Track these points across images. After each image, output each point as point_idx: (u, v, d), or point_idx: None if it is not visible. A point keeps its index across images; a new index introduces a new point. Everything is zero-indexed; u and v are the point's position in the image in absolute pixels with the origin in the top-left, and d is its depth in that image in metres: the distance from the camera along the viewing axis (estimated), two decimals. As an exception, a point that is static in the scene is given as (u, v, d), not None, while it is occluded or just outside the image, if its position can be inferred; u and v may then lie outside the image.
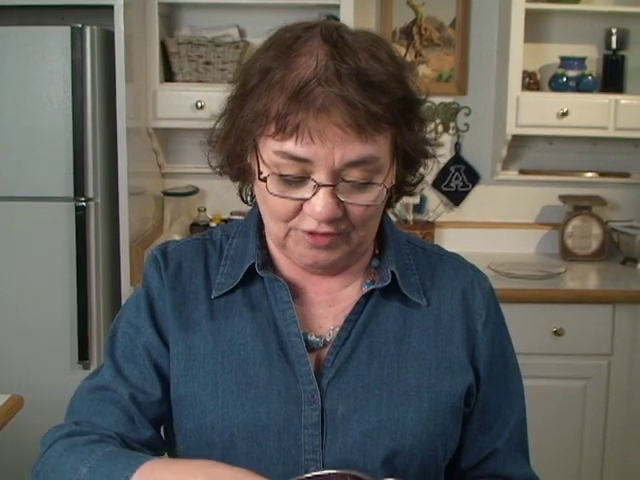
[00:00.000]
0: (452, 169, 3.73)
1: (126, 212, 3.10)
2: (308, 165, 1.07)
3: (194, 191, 3.62)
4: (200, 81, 3.42)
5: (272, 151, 1.08)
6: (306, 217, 1.10)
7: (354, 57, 1.07)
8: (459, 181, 3.74)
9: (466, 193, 3.76)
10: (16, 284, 3.08)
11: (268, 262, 1.22)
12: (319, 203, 1.07)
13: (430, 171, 1.22)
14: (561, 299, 3.22)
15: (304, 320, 1.19)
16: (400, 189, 1.21)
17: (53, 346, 3.09)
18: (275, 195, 1.10)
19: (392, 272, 1.20)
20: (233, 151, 1.15)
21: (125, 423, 1.19)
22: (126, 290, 3.11)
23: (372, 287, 1.20)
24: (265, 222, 1.19)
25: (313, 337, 1.19)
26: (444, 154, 3.67)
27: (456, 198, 3.77)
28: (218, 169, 1.22)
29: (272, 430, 1.14)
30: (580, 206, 3.67)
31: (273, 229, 1.16)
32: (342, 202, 1.09)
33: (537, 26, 3.56)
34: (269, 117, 1.07)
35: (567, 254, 3.64)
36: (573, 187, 3.73)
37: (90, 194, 3.03)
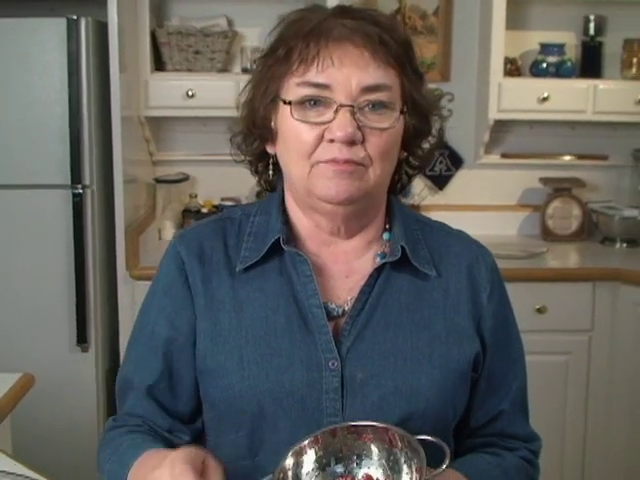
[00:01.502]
0: (436, 154, 3.82)
1: (121, 199, 3.17)
2: (328, 92, 1.18)
3: (185, 178, 3.69)
4: (190, 70, 3.48)
5: (295, 84, 1.20)
6: (326, 146, 1.19)
7: (363, 11, 1.24)
8: (443, 165, 3.84)
9: (450, 177, 3.86)
10: (16, 270, 3.15)
11: (290, 237, 1.31)
12: (339, 123, 1.17)
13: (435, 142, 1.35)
14: (543, 278, 3.32)
15: (323, 291, 1.28)
16: (410, 154, 1.32)
17: (52, 330, 3.16)
18: (298, 120, 1.20)
19: (402, 247, 1.29)
20: (258, 107, 1.26)
21: (152, 412, 1.32)
22: (122, 274, 3.19)
23: (384, 261, 1.29)
24: (288, 173, 1.27)
25: (333, 305, 1.28)
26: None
27: (440, 182, 3.86)
28: (238, 143, 1.34)
29: (296, 396, 1.23)
30: (560, 188, 3.78)
31: (298, 173, 1.24)
32: (360, 127, 1.19)
33: (518, 14, 3.65)
34: (292, 57, 1.20)
35: (548, 235, 3.75)
36: (553, 170, 3.83)
37: (87, 181, 3.11)
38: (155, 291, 1.36)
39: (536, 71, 3.61)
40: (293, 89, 1.20)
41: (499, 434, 1.38)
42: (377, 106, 1.20)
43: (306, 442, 1.13)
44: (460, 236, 1.40)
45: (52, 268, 3.15)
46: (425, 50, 3.75)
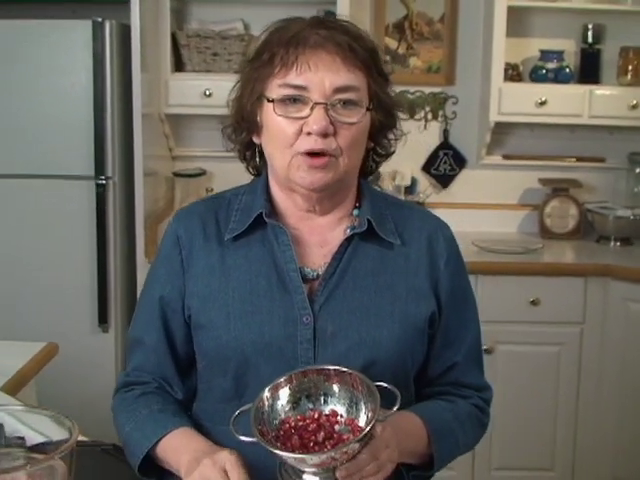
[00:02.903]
0: (440, 154, 4.02)
1: (141, 191, 3.40)
2: (305, 92, 1.40)
3: (202, 173, 3.90)
4: (208, 71, 3.70)
5: (277, 86, 1.42)
6: (304, 138, 1.41)
7: (336, 22, 1.46)
8: (447, 165, 4.04)
9: (453, 176, 4.05)
10: (42, 254, 3.39)
11: (272, 212, 1.52)
12: (315, 118, 1.39)
13: (399, 143, 1.56)
14: (537, 272, 3.49)
15: (300, 258, 1.49)
16: (376, 143, 1.53)
17: (76, 311, 3.40)
18: (280, 115, 1.41)
19: (368, 220, 1.50)
20: (246, 104, 1.47)
21: (157, 366, 1.55)
22: (141, 261, 3.41)
23: (353, 232, 1.50)
24: (272, 161, 1.48)
25: (308, 270, 1.49)
26: (433, 142, 4.00)
27: (444, 181, 4.06)
28: (230, 132, 1.54)
29: (275, 346, 1.44)
30: (558, 188, 3.95)
31: (279, 163, 1.45)
32: (332, 122, 1.40)
33: (520, 22, 3.84)
34: (274, 62, 1.41)
35: (546, 233, 3.93)
36: (552, 171, 4.01)
37: (109, 173, 3.34)
38: (155, 264, 1.60)
39: (535, 77, 3.79)
40: (276, 89, 1.42)
41: (453, 383, 1.57)
42: (347, 104, 1.41)
43: (282, 380, 1.34)
44: (422, 212, 1.62)
45: (76, 253, 3.38)
46: (431, 55, 3.95)
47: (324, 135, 1.39)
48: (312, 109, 1.39)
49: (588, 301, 3.48)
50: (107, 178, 3.34)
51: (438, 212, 3.92)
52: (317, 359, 1.44)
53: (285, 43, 1.40)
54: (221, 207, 1.56)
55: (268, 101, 1.43)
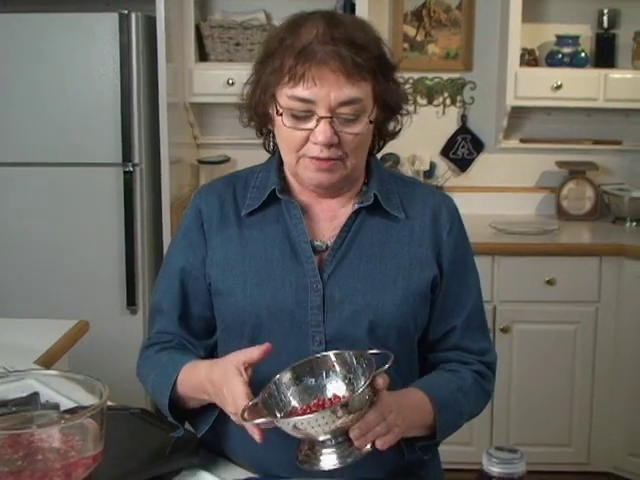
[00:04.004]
0: (459, 138, 4.11)
1: (167, 177, 3.53)
2: (312, 105, 1.49)
3: (226, 160, 4.01)
4: (231, 60, 3.83)
5: (286, 96, 1.50)
6: (311, 146, 1.51)
7: (344, 27, 1.51)
8: (465, 149, 4.12)
9: (472, 160, 4.14)
10: (73, 240, 3.53)
11: (285, 189, 1.63)
12: (320, 131, 1.49)
13: (404, 124, 1.65)
14: (553, 252, 3.57)
15: (311, 231, 1.60)
16: (382, 134, 1.63)
17: (106, 294, 3.54)
18: (288, 127, 1.51)
19: (374, 195, 1.60)
20: (258, 102, 1.57)
21: (177, 328, 1.68)
22: (167, 244, 3.52)
23: (360, 206, 1.61)
24: (282, 156, 1.60)
25: (318, 242, 1.60)
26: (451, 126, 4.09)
27: (462, 165, 4.15)
28: (247, 120, 1.64)
29: (287, 311, 1.56)
30: (575, 171, 4.02)
31: (287, 160, 1.58)
32: (337, 132, 1.49)
33: (536, 7, 3.92)
34: (284, 70, 1.50)
35: (563, 214, 4.00)
36: (569, 154, 4.08)
37: (136, 160, 3.47)
38: (176, 237, 1.73)
39: (551, 61, 3.86)
40: (284, 99, 1.51)
41: (454, 348, 1.66)
42: (350, 116, 1.50)
43: (285, 372, 1.44)
44: (427, 187, 1.73)
45: (105, 238, 3.52)
46: (449, 42, 4.04)
47: (329, 145, 1.50)
48: (318, 121, 1.49)
49: (603, 280, 3.55)
50: (134, 165, 3.47)
51: (457, 196, 4.03)
52: (326, 323, 1.55)
53: (294, 56, 1.48)
54: (238, 185, 1.68)
55: (277, 114, 1.53)
